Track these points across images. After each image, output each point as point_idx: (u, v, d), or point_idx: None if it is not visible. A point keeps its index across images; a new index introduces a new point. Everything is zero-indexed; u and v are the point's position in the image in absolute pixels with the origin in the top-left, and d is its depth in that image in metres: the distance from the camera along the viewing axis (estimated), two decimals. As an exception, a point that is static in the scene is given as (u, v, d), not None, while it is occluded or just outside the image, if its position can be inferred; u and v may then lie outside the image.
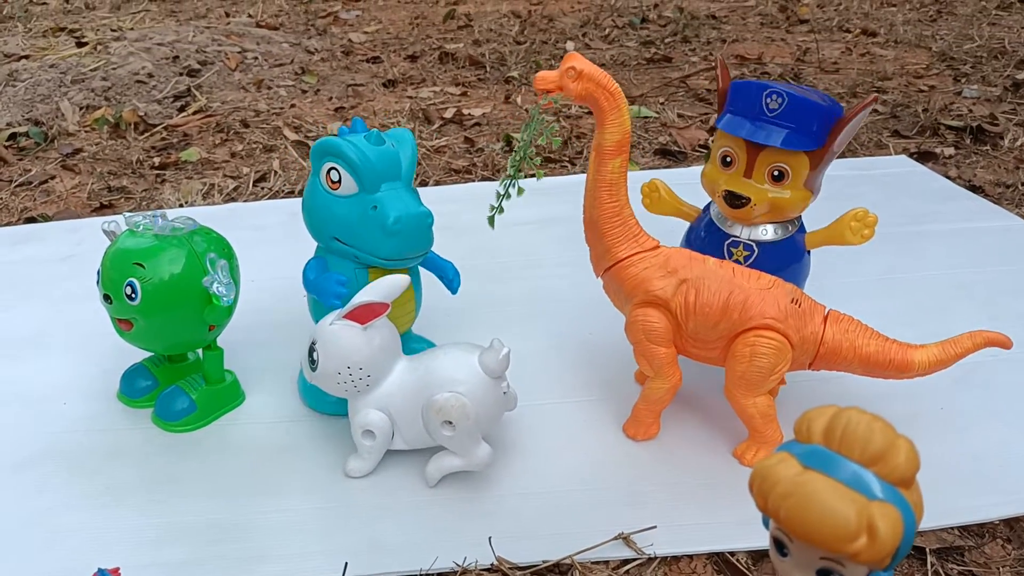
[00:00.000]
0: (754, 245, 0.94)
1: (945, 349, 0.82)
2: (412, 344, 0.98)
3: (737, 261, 0.93)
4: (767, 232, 0.94)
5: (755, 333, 0.81)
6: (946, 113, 1.84)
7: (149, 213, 0.87)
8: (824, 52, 2.30)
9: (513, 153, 0.83)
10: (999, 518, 0.80)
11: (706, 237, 0.97)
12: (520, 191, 0.83)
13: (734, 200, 0.90)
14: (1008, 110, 1.85)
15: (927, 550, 0.77)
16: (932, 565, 0.76)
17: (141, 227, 0.86)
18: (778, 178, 0.90)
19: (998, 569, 0.76)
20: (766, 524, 0.47)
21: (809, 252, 0.96)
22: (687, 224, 1.03)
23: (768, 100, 0.88)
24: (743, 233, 0.94)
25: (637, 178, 1.55)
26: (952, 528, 0.80)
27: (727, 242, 0.95)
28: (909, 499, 0.43)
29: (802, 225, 0.96)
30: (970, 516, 0.80)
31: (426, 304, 0.97)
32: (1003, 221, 1.37)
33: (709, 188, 0.95)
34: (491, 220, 0.85)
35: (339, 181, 0.85)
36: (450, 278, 0.97)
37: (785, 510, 0.42)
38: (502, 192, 0.84)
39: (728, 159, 0.92)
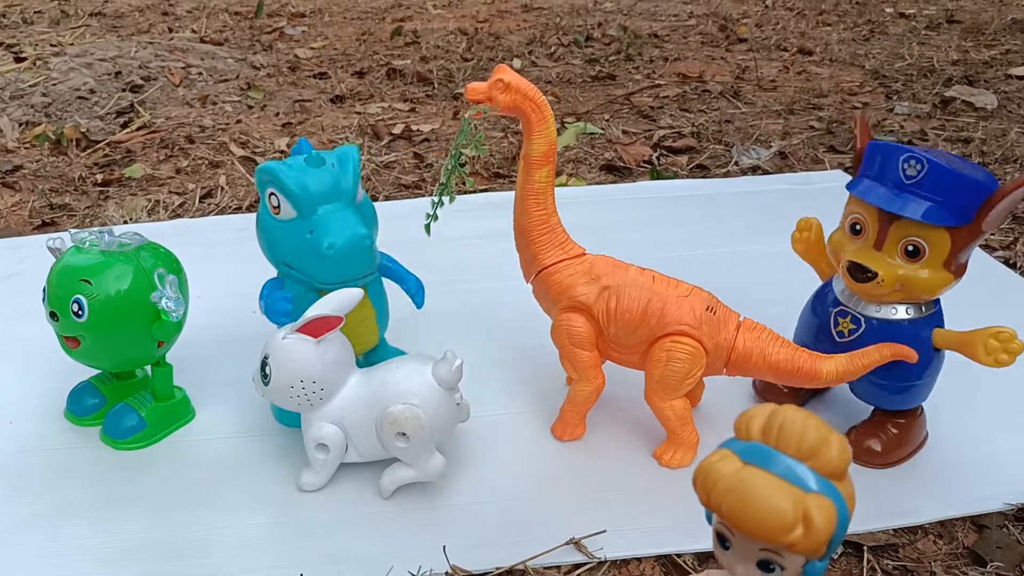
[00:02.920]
0: (862, 319, 0.86)
1: (853, 360, 0.84)
2: (389, 355, 0.98)
3: (840, 333, 0.87)
4: (880, 309, 0.85)
5: (671, 339, 0.84)
6: (879, 129, 1.91)
7: (95, 229, 0.86)
8: (762, 70, 2.37)
9: (445, 161, 0.87)
10: (930, 521, 0.84)
11: (816, 299, 0.92)
12: (452, 198, 0.87)
13: (858, 273, 0.82)
14: (937, 126, 1.93)
15: (864, 547, 0.80)
16: (868, 562, 0.79)
17: (87, 243, 0.86)
18: (912, 254, 0.80)
19: (930, 564, 0.79)
20: (709, 519, 0.49)
21: (939, 350, 0.86)
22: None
23: (905, 165, 0.79)
24: (853, 303, 0.87)
25: (583, 193, 1.59)
26: (887, 528, 0.83)
27: (835, 310, 0.88)
28: (842, 491, 0.45)
29: (938, 314, 0.87)
30: (905, 520, 0.84)
31: (378, 318, 0.98)
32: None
33: (834, 256, 0.87)
34: (427, 228, 0.89)
35: (279, 206, 0.85)
36: (412, 292, 0.97)
37: (727, 505, 0.45)
38: (436, 200, 0.88)
39: (858, 227, 0.83)
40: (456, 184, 0.87)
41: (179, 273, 0.89)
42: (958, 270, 0.82)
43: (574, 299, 0.87)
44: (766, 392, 0.99)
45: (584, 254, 0.90)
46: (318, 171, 0.85)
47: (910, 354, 0.83)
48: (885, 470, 0.89)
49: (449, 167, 0.87)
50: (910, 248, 0.81)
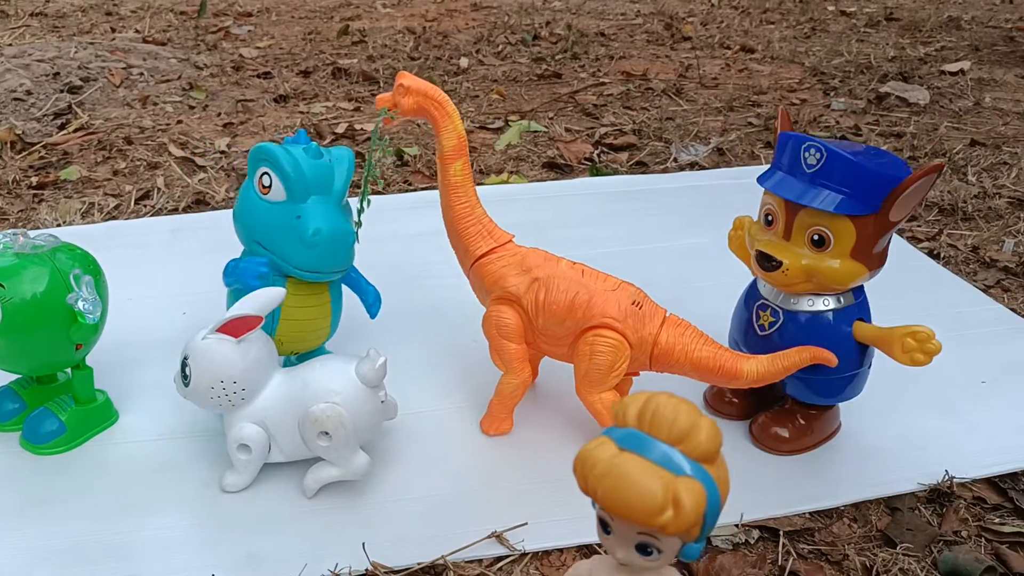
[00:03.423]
0: (780, 312, 0.87)
1: (774, 362, 0.85)
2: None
3: (761, 326, 0.89)
4: (798, 302, 0.86)
5: (595, 332, 0.86)
6: (815, 125, 1.95)
7: (9, 232, 0.85)
8: (705, 68, 2.40)
9: (364, 169, 0.90)
10: (844, 504, 0.86)
11: (746, 294, 0.93)
12: (368, 203, 0.92)
13: (765, 262, 0.83)
14: (871, 121, 1.97)
15: (780, 532, 0.82)
16: (784, 546, 0.81)
17: (1, 246, 0.84)
18: (818, 243, 0.81)
19: (844, 547, 0.81)
20: (594, 505, 0.50)
21: (863, 344, 0.86)
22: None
23: (806, 154, 0.80)
24: (773, 296, 0.88)
25: (523, 190, 1.60)
26: (803, 512, 0.85)
27: (757, 303, 0.89)
28: (713, 474, 0.47)
29: (859, 306, 0.87)
30: (821, 503, 0.86)
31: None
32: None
33: (749, 245, 0.88)
34: (355, 236, 0.91)
35: (270, 187, 0.87)
36: (370, 303, 0.99)
37: (602, 490, 0.46)
38: (359, 207, 0.92)
39: (770, 218, 0.84)
40: (371, 187, 0.91)
41: (96, 274, 0.88)
42: (872, 260, 0.82)
43: (505, 290, 0.89)
44: (716, 404, 0.97)
45: (512, 240, 0.92)
46: (316, 161, 0.88)
47: (829, 358, 0.84)
48: (802, 455, 0.91)
49: (366, 173, 0.90)
50: (816, 238, 0.81)
